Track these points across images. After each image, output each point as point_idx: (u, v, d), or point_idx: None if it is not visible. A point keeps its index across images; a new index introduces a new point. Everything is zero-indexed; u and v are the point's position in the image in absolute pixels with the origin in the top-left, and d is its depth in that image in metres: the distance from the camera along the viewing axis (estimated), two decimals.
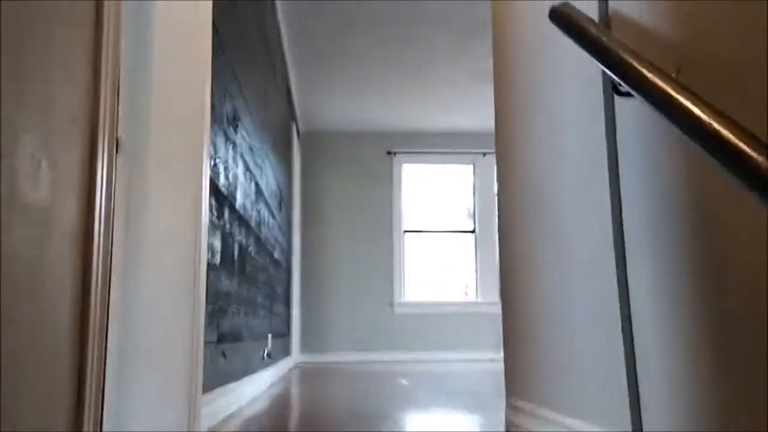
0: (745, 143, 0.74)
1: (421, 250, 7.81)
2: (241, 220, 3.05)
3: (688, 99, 0.83)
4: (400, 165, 7.82)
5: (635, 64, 0.94)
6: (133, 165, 1.94)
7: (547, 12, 1.72)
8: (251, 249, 3.40)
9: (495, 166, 7.78)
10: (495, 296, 7.53)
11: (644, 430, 1.22)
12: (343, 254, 7.55)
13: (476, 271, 7.70)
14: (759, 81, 0.87)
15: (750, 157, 0.72)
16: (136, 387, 1.88)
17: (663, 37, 1.15)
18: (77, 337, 1.13)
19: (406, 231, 7.75)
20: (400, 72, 6.05)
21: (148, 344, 1.92)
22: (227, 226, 2.68)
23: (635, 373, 1.27)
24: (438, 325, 7.42)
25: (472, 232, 7.83)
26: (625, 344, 1.30)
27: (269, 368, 4.10)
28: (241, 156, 3.09)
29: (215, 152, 2.42)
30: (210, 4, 2.19)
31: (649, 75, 0.91)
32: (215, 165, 2.42)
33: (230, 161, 2.76)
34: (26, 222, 0.93)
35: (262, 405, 3.04)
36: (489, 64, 5.80)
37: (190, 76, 2.06)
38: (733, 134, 0.77)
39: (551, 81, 1.73)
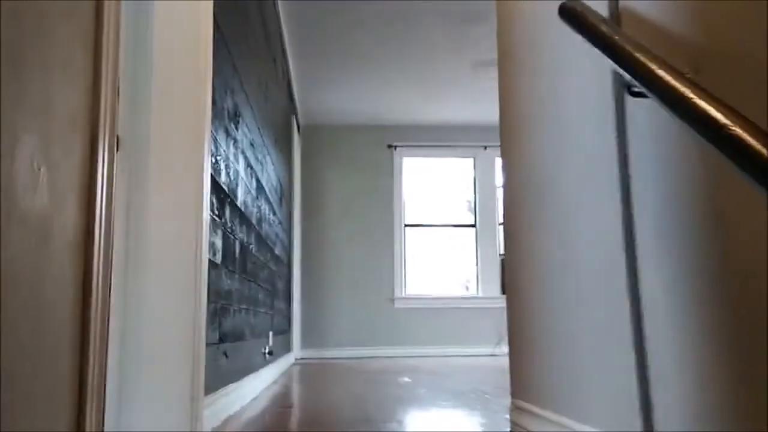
0: None
1: (421, 244, 7.80)
2: (242, 217, 3.02)
3: (710, 103, 0.81)
4: (401, 158, 7.80)
5: (652, 65, 0.91)
6: (134, 163, 1.92)
7: (553, 8, 1.70)
8: (252, 246, 3.38)
9: (496, 160, 7.75)
10: (496, 291, 7.53)
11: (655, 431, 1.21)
12: (344, 249, 7.53)
13: (477, 265, 7.68)
14: None
15: None
16: (138, 390, 1.87)
17: (675, 33, 1.12)
18: (78, 338, 1.11)
19: (406, 225, 7.73)
20: (401, 65, 6.02)
21: (149, 346, 1.90)
22: (228, 223, 2.66)
23: (646, 376, 1.25)
24: (439, 319, 7.41)
25: (473, 226, 7.81)
26: (635, 347, 1.28)
27: (270, 366, 4.09)
28: (242, 152, 3.06)
29: (216, 149, 2.40)
30: (211, 3, 2.17)
31: (667, 76, 0.88)
32: (216, 162, 2.39)
33: (231, 158, 2.73)
34: (25, 227, 0.90)
35: (263, 404, 3.02)
36: (490, 56, 5.76)
37: (191, 72, 2.04)
38: (758, 140, 0.75)
39: (558, 78, 1.70)
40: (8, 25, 0.87)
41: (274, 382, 4.17)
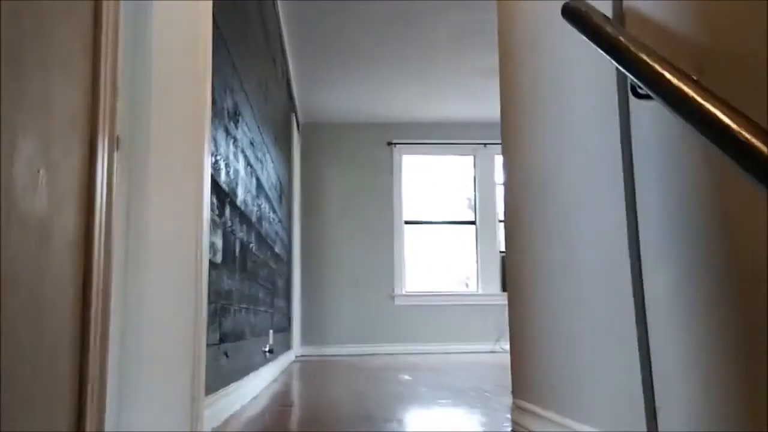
0: None
1: (422, 241, 7.79)
2: (242, 216, 3.01)
3: (716, 105, 0.80)
4: (400, 156, 7.78)
5: (658, 67, 0.90)
6: (134, 163, 1.91)
7: (554, 7, 1.69)
8: (252, 245, 3.37)
9: (496, 157, 7.74)
10: (496, 288, 7.52)
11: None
12: (344, 246, 7.52)
13: (477, 262, 7.68)
14: None
15: None
16: (138, 390, 1.86)
17: (679, 33, 1.11)
18: (78, 338, 1.11)
19: (406, 222, 7.72)
20: (400, 63, 6.00)
21: (150, 347, 1.89)
22: (229, 223, 2.65)
23: (650, 376, 1.24)
24: (439, 317, 7.41)
25: (473, 223, 7.80)
26: (639, 347, 1.27)
27: (271, 364, 4.09)
28: (242, 151, 3.05)
29: (216, 148, 2.39)
30: (210, 2, 2.15)
31: (673, 79, 0.87)
32: (216, 161, 2.38)
33: (231, 157, 2.72)
34: (25, 228, 0.89)
35: (264, 403, 3.02)
36: (490, 53, 5.75)
37: (190, 72, 2.03)
38: (762, 142, 0.74)
39: (560, 77, 1.69)
40: (8, 26, 0.86)
41: (275, 380, 4.17)
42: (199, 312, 2.08)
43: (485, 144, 7.77)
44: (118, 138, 1.77)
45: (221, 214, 2.49)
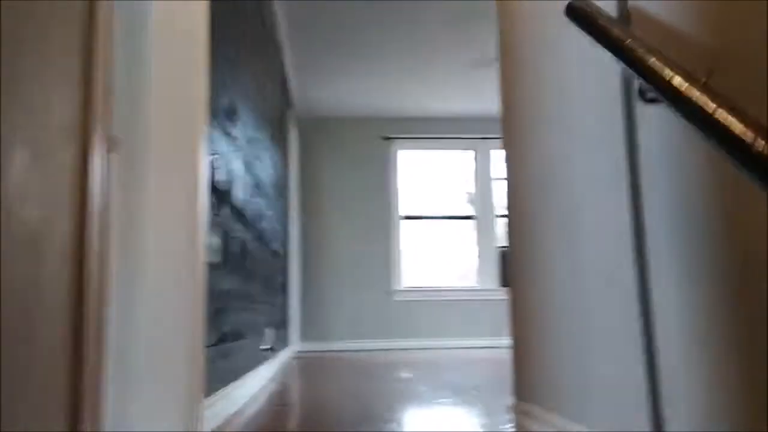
0: None
1: (420, 236, 7.77)
2: (240, 215, 2.99)
3: (734, 116, 0.77)
4: (397, 150, 7.75)
5: (668, 72, 0.88)
6: (130, 164, 1.88)
7: (555, 6, 1.66)
8: (250, 244, 3.35)
9: (492, 152, 7.72)
10: (494, 283, 7.51)
11: None
12: (342, 241, 7.50)
13: (476, 257, 7.66)
14: None
15: None
16: (137, 393, 1.84)
17: (687, 35, 1.09)
18: (73, 338, 1.09)
19: (404, 217, 7.70)
20: (397, 57, 5.97)
21: (148, 349, 1.88)
22: (226, 222, 2.62)
23: (656, 381, 1.22)
24: (437, 312, 7.40)
25: (471, 218, 7.78)
26: (645, 352, 1.25)
27: (270, 362, 4.07)
28: (239, 149, 3.02)
29: (213, 148, 2.36)
30: (207, 1, 2.12)
31: (684, 84, 0.85)
32: (213, 161, 2.35)
33: (228, 155, 2.70)
34: (18, 238, 0.87)
35: (263, 402, 3.00)
36: (488, 48, 5.72)
37: (187, 71, 2.00)
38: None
39: (562, 76, 1.67)
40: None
41: (274, 378, 4.15)
42: (198, 313, 2.06)
43: (482, 138, 7.75)
44: (115, 139, 1.75)
45: (219, 214, 2.46)
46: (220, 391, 2.44)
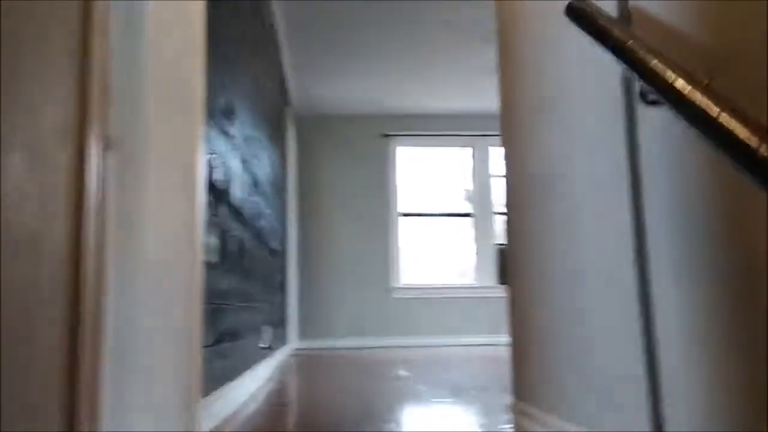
0: None
1: (418, 234, 7.76)
2: (237, 214, 2.97)
3: (733, 116, 0.76)
4: (396, 148, 7.74)
5: (670, 74, 0.87)
6: (127, 164, 1.87)
7: (556, 6, 1.65)
8: (249, 243, 3.33)
9: (491, 150, 7.70)
10: (493, 280, 7.51)
11: None
12: (340, 239, 7.49)
13: (474, 254, 7.66)
14: None
15: None
16: (134, 395, 1.83)
17: (689, 35, 1.07)
18: (70, 337, 1.09)
19: (402, 215, 7.69)
20: (396, 54, 5.95)
21: (145, 349, 1.86)
22: (224, 222, 2.61)
23: (657, 383, 1.21)
24: (435, 309, 7.40)
25: (470, 215, 7.77)
26: (646, 355, 1.24)
27: (268, 360, 4.06)
28: (237, 148, 3.01)
29: (211, 147, 2.34)
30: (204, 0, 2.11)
31: (686, 87, 0.84)
32: (211, 160, 2.34)
33: (226, 155, 2.68)
34: (16, 239, 0.86)
35: (261, 402, 2.99)
36: (486, 45, 5.70)
37: (184, 71, 1.98)
38: None
39: (561, 76, 1.66)
40: None
41: (272, 376, 4.15)
42: (195, 314, 2.05)
43: (481, 136, 7.73)
44: (111, 138, 1.73)
45: (216, 214, 2.45)
46: (217, 390, 2.43)
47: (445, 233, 7.82)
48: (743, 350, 0.96)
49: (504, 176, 2.20)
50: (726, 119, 0.77)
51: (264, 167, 4.20)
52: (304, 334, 7.22)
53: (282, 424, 2.41)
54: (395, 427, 2.30)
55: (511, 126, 2.12)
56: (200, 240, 2.11)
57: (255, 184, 3.69)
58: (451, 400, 2.97)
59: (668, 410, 1.18)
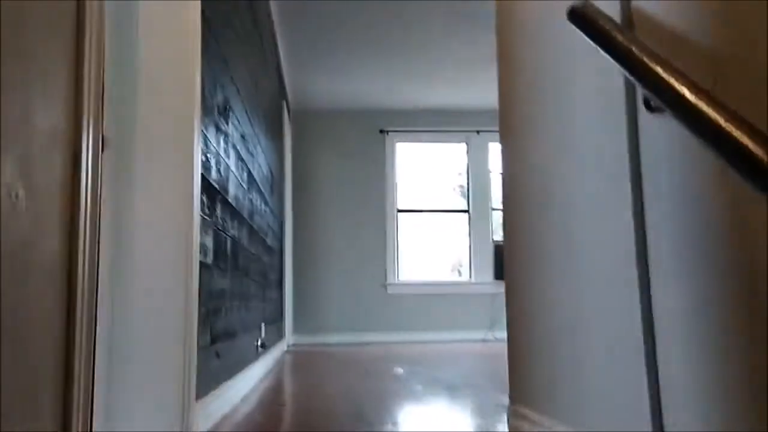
0: None
1: (414, 229, 7.75)
2: (233, 213, 2.95)
3: (737, 126, 0.75)
4: (393, 143, 7.71)
5: (675, 83, 0.85)
6: (121, 164, 1.85)
7: (556, 6, 1.63)
8: (244, 241, 3.32)
9: (489, 145, 7.67)
10: (488, 276, 7.51)
11: None
12: (336, 235, 7.47)
13: (470, 250, 7.65)
14: None
15: None
16: (129, 397, 1.82)
17: (692, 40, 1.06)
18: (64, 338, 1.08)
19: (399, 210, 7.68)
20: (393, 49, 5.92)
21: (140, 352, 1.85)
22: (220, 221, 2.59)
23: (658, 389, 1.20)
24: (431, 305, 7.39)
25: (466, 211, 7.76)
26: (647, 360, 1.23)
27: (263, 357, 4.05)
28: (233, 146, 2.99)
29: (206, 146, 2.32)
30: None
31: (690, 95, 0.82)
32: (207, 160, 2.32)
33: (222, 153, 2.66)
34: (7, 247, 0.84)
35: (256, 402, 2.98)
36: (484, 41, 5.67)
37: (179, 69, 1.96)
38: None
39: (561, 76, 1.64)
40: None
41: (267, 374, 4.13)
42: (190, 315, 2.04)
43: (478, 131, 7.71)
44: (105, 138, 1.71)
45: (212, 214, 2.43)
46: (213, 391, 2.41)
47: (441, 229, 7.81)
48: (744, 352, 0.95)
49: (502, 173, 2.19)
50: (732, 129, 0.76)
51: (261, 164, 4.18)
52: (300, 329, 7.21)
53: (278, 426, 2.39)
54: (392, 427, 2.29)
55: (510, 124, 2.10)
56: (196, 240, 2.09)
57: (251, 181, 3.67)
58: (446, 399, 2.97)
59: (668, 412, 1.17)
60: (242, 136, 3.29)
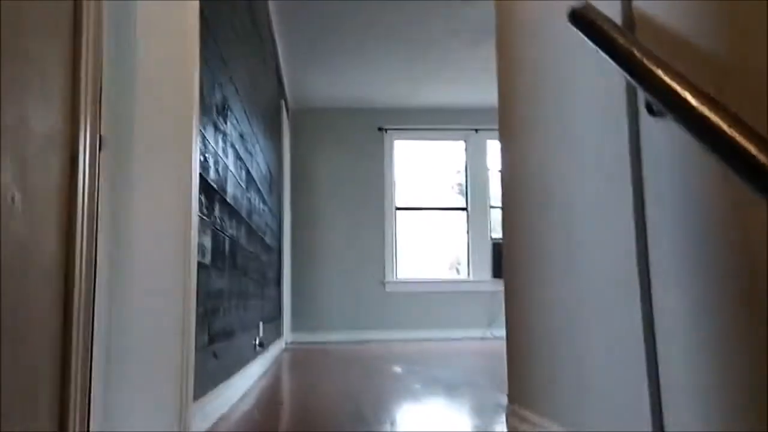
0: None
1: (412, 227, 7.74)
2: (232, 212, 2.95)
3: (749, 138, 0.74)
4: (392, 141, 7.70)
5: (678, 88, 0.84)
6: (119, 164, 1.84)
7: (557, 7, 1.62)
8: (242, 240, 3.31)
9: (488, 143, 7.66)
10: (486, 274, 7.50)
11: None
12: (334, 232, 7.46)
13: (468, 248, 7.65)
14: None
15: None
16: (126, 398, 1.81)
17: (694, 41, 1.05)
18: (61, 339, 1.07)
19: (397, 208, 7.67)
20: (391, 47, 5.91)
21: (136, 353, 1.84)
22: (218, 221, 2.58)
23: (659, 391, 1.20)
24: (430, 303, 7.39)
25: (464, 209, 7.76)
26: (647, 362, 1.23)
27: (261, 356, 4.04)
28: (232, 145, 2.98)
29: (205, 146, 2.31)
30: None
31: (694, 101, 0.81)
32: (205, 160, 2.31)
33: (220, 153, 2.65)
34: (5, 248, 0.83)
35: (254, 402, 2.98)
36: (483, 39, 5.67)
37: (178, 69, 1.95)
38: None
39: (561, 77, 1.64)
40: None
41: (266, 372, 4.13)
42: (188, 316, 2.03)
43: (477, 130, 7.70)
44: (102, 138, 1.70)
45: (210, 214, 2.42)
46: (211, 391, 2.41)
47: (440, 227, 7.80)
48: (744, 352, 0.95)
49: (501, 173, 2.18)
50: (736, 136, 0.75)
51: (259, 163, 4.17)
52: (298, 327, 7.21)
53: (276, 426, 2.39)
54: (390, 427, 2.29)
55: (510, 124, 2.09)
56: (194, 241, 2.09)
57: (250, 180, 3.66)
58: (445, 398, 2.96)
59: (669, 411, 1.16)
60: (241, 135, 3.28)
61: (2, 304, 0.85)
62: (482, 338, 7.17)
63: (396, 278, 7.48)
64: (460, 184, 7.88)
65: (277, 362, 4.89)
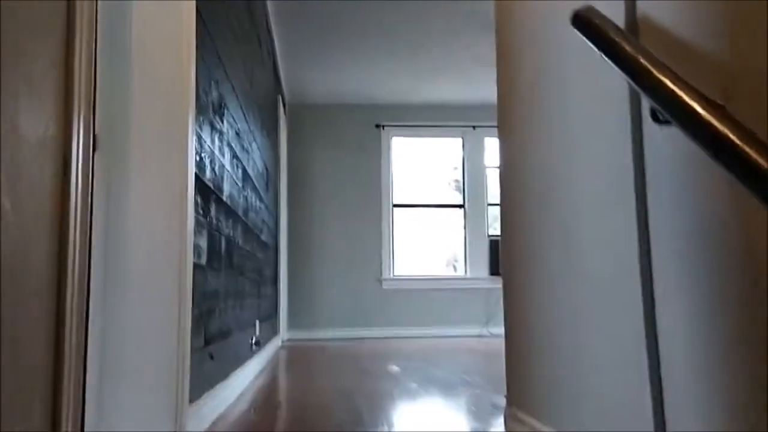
0: None
1: (410, 224, 7.73)
2: (228, 211, 2.92)
3: (749, 144, 0.73)
4: (389, 138, 7.68)
5: (686, 97, 0.82)
6: (113, 164, 1.81)
7: (557, 7, 1.60)
8: (239, 239, 3.28)
9: (485, 140, 7.63)
10: (484, 271, 7.49)
11: None
12: (331, 229, 7.44)
13: (465, 245, 7.63)
14: None
15: None
16: (121, 400, 1.79)
17: (701, 46, 1.03)
18: (54, 342, 1.06)
19: (395, 205, 7.65)
20: (390, 43, 5.88)
21: (131, 356, 1.82)
22: (214, 221, 2.56)
23: (661, 396, 1.19)
24: (427, 300, 7.38)
25: (462, 206, 7.74)
26: (650, 368, 1.21)
27: (258, 355, 4.02)
28: (228, 144, 2.95)
29: (201, 145, 2.29)
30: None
31: (701, 111, 0.80)
32: (201, 159, 2.28)
33: (216, 152, 2.62)
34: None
35: (251, 402, 2.96)
36: (482, 36, 5.64)
37: (174, 67, 1.93)
38: None
39: (562, 78, 1.62)
40: None
41: (262, 371, 4.11)
42: (184, 317, 2.01)
43: (474, 126, 7.68)
44: (96, 138, 1.68)
45: (206, 214, 2.40)
46: (207, 393, 2.39)
47: (437, 224, 7.79)
48: (745, 353, 0.94)
49: (499, 173, 2.16)
50: (745, 148, 0.73)
51: (256, 160, 4.14)
52: (294, 324, 7.19)
53: (272, 427, 2.37)
54: (386, 428, 2.28)
55: (510, 124, 2.08)
56: (189, 242, 2.06)
57: (246, 178, 3.63)
58: (442, 399, 2.95)
59: (670, 412, 1.15)
60: (237, 133, 3.26)
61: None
62: (479, 336, 7.16)
63: (393, 275, 7.46)
64: (457, 181, 7.86)
65: (273, 360, 4.87)
